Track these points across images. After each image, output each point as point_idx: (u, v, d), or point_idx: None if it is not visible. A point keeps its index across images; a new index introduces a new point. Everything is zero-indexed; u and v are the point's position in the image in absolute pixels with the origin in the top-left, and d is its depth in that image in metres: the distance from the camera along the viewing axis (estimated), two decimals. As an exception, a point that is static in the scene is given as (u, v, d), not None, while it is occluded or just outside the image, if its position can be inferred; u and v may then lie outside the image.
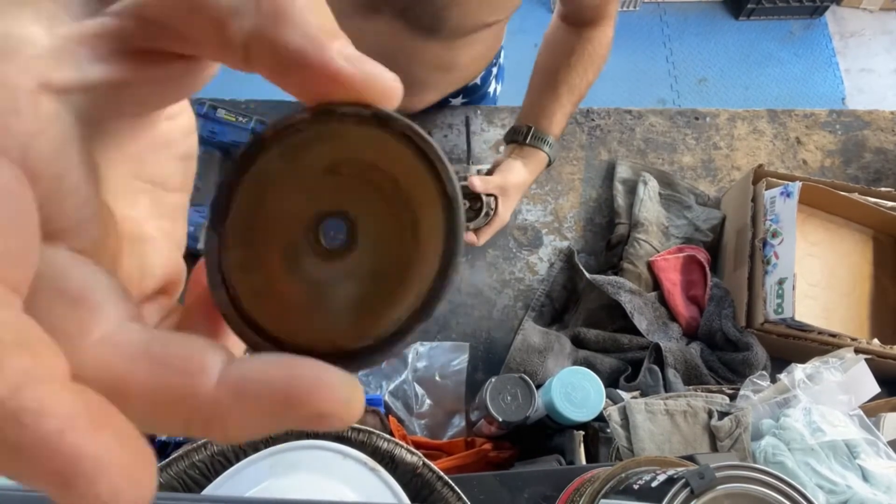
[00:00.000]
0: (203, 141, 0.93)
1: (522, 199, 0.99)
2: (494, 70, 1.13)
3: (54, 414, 0.11)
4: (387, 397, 0.87)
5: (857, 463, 0.65)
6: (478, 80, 1.10)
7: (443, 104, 1.11)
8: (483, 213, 0.82)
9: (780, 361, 0.85)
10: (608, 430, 0.73)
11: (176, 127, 0.18)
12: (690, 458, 0.54)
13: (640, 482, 0.47)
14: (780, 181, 0.92)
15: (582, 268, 0.95)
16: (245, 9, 0.13)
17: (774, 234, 0.88)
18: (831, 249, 0.95)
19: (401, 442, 0.55)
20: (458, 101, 1.13)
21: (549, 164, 0.88)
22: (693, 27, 2.58)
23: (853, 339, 0.84)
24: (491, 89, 1.16)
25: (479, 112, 1.12)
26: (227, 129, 0.93)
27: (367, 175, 0.16)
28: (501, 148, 0.94)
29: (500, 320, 0.97)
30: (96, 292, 0.13)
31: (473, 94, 1.13)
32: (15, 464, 0.11)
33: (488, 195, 0.82)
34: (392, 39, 0.79)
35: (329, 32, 0.14)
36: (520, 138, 0.86)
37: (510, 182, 0.83)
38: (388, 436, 0.55)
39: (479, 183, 0.79)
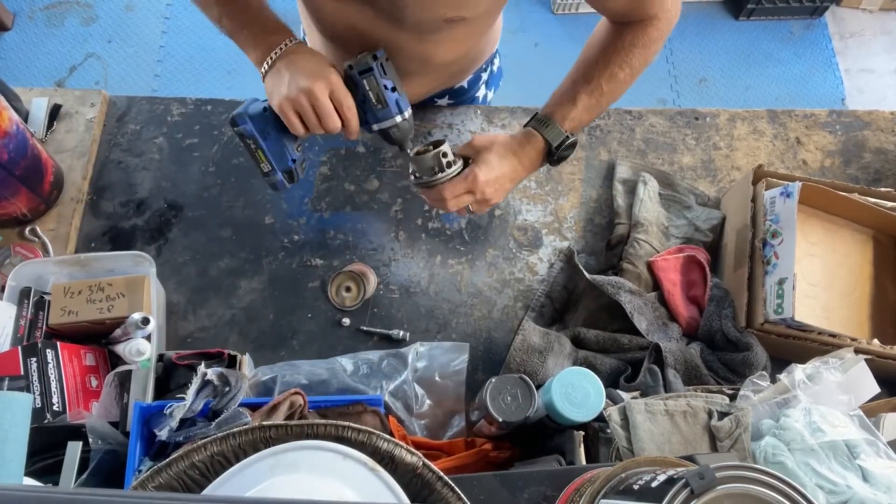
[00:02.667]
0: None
1: (518, 189, 0.95)
2: (485, 76, 1.13)
3: None
4: (387, 397, 0.87)
5: (857, 463, 0.65)
6: (465, 84, 1.09)
7: (428, 104, 1.12)
8: (439, 170, 0.81)
9: (780, 361, 0.85)
10: (608, 430, 0.73)
11: None
12: (690, 459, 0.54)
13: (640, 482, 0.47)
14: (780, 181, 0.92)
15: (582, 268, 0.95)
16: None
17: (774, 235, 0.88)
18: (831, 249, 0.95)
19: (401, 442, 0.55)
20: (443, 101, 1.12)
21: (551, 150, 0.83)
22: (693, 27, 2.58)
23: (853, 339, 0.84)
24: (480, 94, 1.16)
25: (478, 112, 1.12)
26: None
27: None
28: None
29: (500, 320, 0.97)
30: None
31: (460, 97, 1.12)
32: None
33: (454, 156, 0.82)
34: (365, 26, 0.81)
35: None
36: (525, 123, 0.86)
37: (479, 141, 0.83)
38: (388, 436, 0.55)
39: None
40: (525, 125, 0.85)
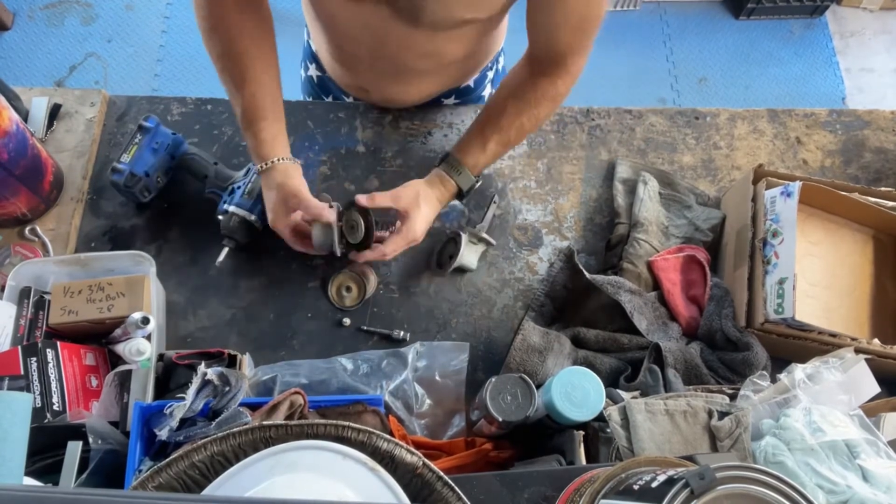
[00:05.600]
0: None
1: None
2: (490, 74, 1.13)
3: None
4: (387, 397, 0.87)
5: (858, 463, 0.65)
6: (471, 83, 1.10)
7: (436, 103, 1.12)
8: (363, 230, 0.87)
9: (780, 361, 0.85)
10: (608, 430, 0.73)
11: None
12: (690, 459, 0.54)
13: (640, 482, 0.47)
14: (781, 181, 0.92)
15: (582, 268, 0.95)
16: None
17: (775, 234, 0.88)
18: (831, 249, 0.95)
19: (401, 442, 0.55)
20: (450, 101, 1.13)
21: (461, 192, 0.92)
22: (693, 27, 2.58)
23: (853, 339, 0.84)
24: (486, 93, 1.16)
25: (478, 111, 1.12)
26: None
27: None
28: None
29: (500, 320, 0.97)
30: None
31: (466, 96, 1.13)
32: None
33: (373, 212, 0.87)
34: (379, 25, 0.83)
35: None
36: (437, 162, 0.93)
37: (405, 201, 0.87)
38: (388, 436, 0.55)
39: (363, 199, 0.86)
40: (437, 165, 0.92)
